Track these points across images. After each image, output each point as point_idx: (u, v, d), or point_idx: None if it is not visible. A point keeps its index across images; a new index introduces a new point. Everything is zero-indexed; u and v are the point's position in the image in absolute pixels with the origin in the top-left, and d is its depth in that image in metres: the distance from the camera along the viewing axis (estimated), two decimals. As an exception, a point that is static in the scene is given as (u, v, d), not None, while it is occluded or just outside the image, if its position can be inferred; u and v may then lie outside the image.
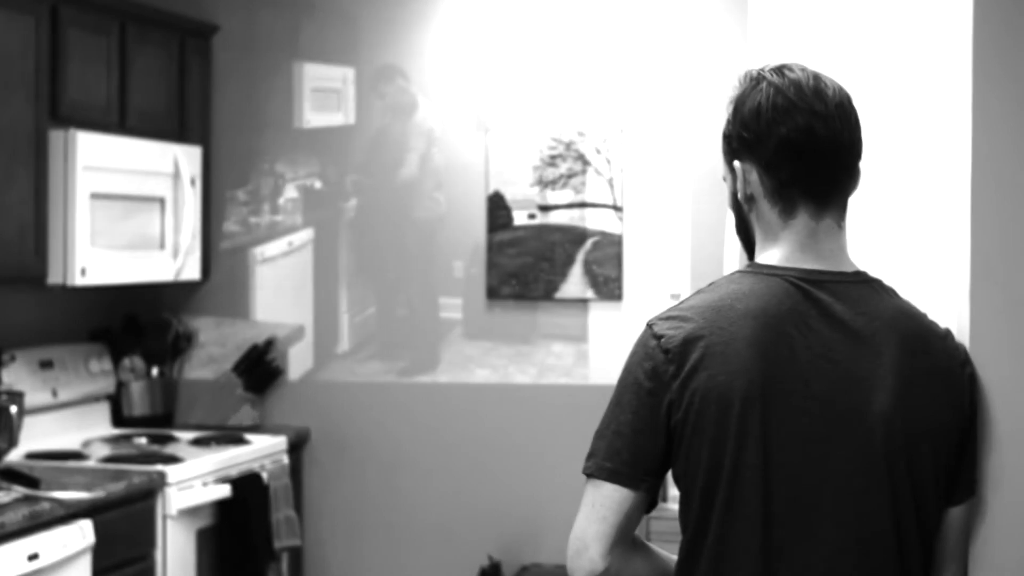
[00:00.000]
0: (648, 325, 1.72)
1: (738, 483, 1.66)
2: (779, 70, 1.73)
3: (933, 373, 1.69)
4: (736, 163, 1.75)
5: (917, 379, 1.68)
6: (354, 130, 4.81)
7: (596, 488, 1.71)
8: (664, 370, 1.67)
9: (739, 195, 1.77)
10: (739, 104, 1.74)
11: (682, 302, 1.74)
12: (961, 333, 1.72)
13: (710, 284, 1.76)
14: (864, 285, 1.72)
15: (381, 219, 4.79)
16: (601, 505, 1.70)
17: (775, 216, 1.73)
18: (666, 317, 1.72)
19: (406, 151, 4.73)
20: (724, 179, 1.81)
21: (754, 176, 1.73)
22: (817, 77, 1.72)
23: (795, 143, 1.69)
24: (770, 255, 1.74)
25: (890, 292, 1.74)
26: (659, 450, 1.69)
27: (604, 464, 1.70)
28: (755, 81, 1.74)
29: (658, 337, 1.69)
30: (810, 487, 1.66)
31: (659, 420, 1.68)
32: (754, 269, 1.73)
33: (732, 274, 1.76)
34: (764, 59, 1.81)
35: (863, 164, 1.76)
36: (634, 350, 1.73)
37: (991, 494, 1.68)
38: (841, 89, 1.73)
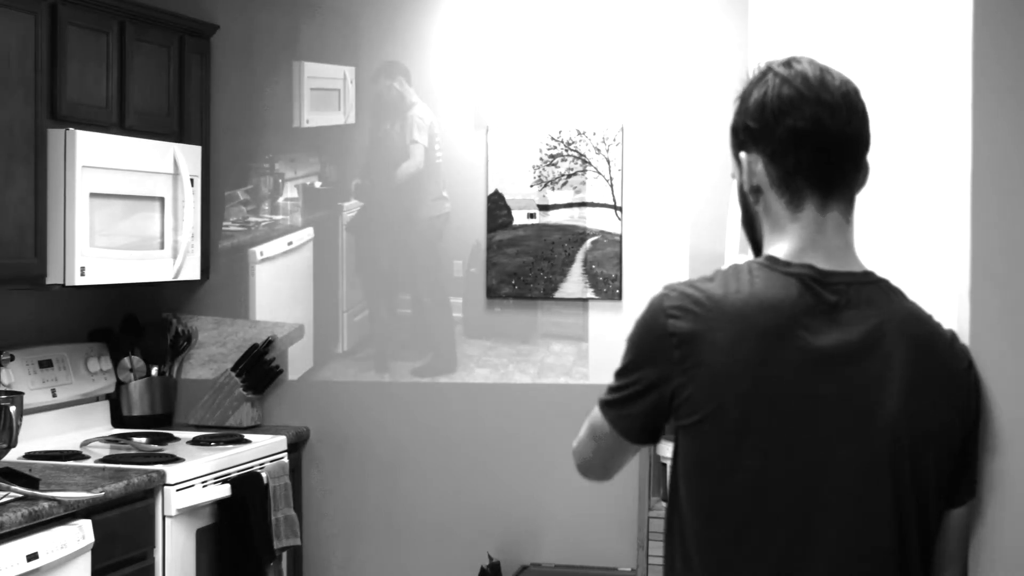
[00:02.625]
0: (662, 297, 1.70)
1: (736, 482, 1.65)
2: (787, 62, 1.74)
3: (940, 377, 1.68)
4: (742, 154, 1.75)
5: (924, 383, 1.67)
6: (354, 129, 4.81)
7: (604, 430, 1.78)
8: (670, 354, 1.67)
9: (745, 187, 1.76)
10: (746, 96, 1.75)
11: (699, 282, 1.71)
12: (961, 333, 1.72)
13: (731, 269, 1.73)
14: (873, 286, 1.71)
15: (381, 219, 4.79)
16: (606, 449, 1.82)
17: (782, 208, 1.73)
18: (681, 295, 1.69)
19: (410, 143, 4.73)
20: (733, 176, 1.80)
21: (760, 167, 1.73)
22: (824, 69, 1.72)
23: (802, 133, 1.69)
24: (782, 250, 1.72)
25: (898, 293, 1.73)
26: (663, 420, 1.73)
27: (618, 420, 1.76)
28: (762, 73, 1.75)
29: (668, 316, 1.68)
30: (812, 489, 1.65)
31: (664, 396, 1.69)
32: (770, 264, 1.71)
33: (750, 264, 1.73)
34: (764, 58, 1.80)
35: (871, 159, 1.75)
36: (647, 320, 1.72)
37: (991, 495, 1.68)
38: (848, 81, 1.73)
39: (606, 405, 1.78)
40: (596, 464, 1.87)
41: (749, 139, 1.74)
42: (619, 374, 1.76)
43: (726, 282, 1.70)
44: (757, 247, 1.80)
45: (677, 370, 1.67)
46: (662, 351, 1.68)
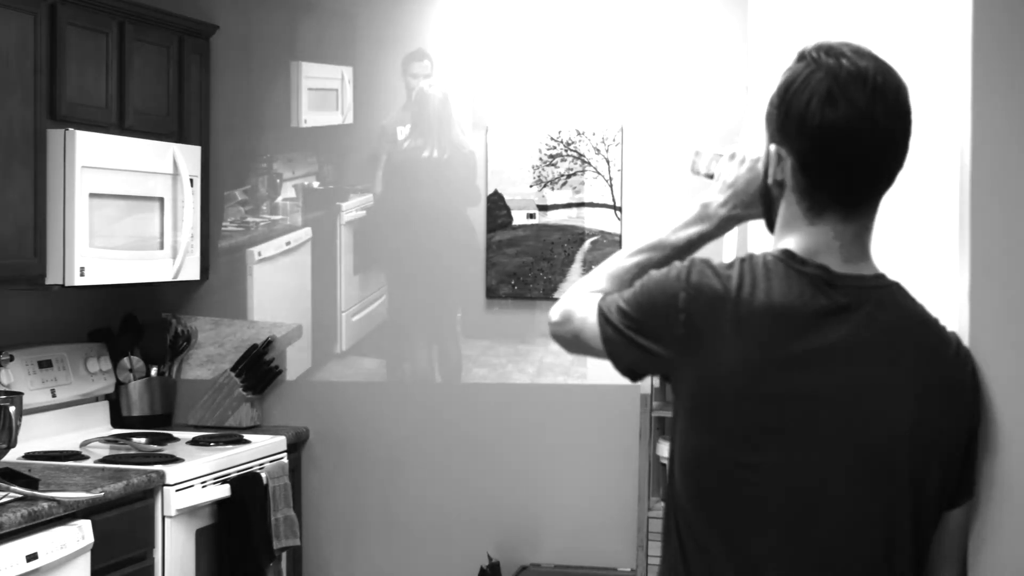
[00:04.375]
0: (689, 267, 1.68)
1: (731, 479, 1.65)
2: (837, 55, 1.63)
3: (946, 385, 1.68)
4: (772, 146, 1.69)
5: (930, 391, 1.66)
6: (353, 129, 4.81)
7: (594, 342, 1.76)
8: (675, 329, 1.66)
9: (769, 178, 1.72)
10: (788, 85, 1.65)
11: (721, 268, 1.68)
12: (961, 333, 1.72)
13: (750, 262, 1.69)
14: (883, 290, 1.69)
15: (384, 220, 4.79)
16: (585, 345, 1.79)
17: (801, 212, 1.69)
18: (701, 274, 1.67)
19: (456, 174, 4.71)
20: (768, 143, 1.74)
21: (788, 166, 1.68)
22: (878, 71, 1.62)
23: (835, 143, 1.62)
24: (798, 245, 1.69)
25: (907, 297, 1.71)
26: (649, 373, 1.77)
27: (608, 343, 1.74)
28: (811, 64, 1.64)
29: (683, 289, 1.66)
30: (807, 488, 1.64)
31: (656, 364, 1.71)
32: (786, 260, 1.68)
33: (767, 259, 1.69)
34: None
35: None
36: (667, 279, 1.69)
37: (991, 495, 1.68)
38: (899, 87, 1.64)
39: (605, 322, 1.74)
40: (570, 342, 1.84)
41: (782, 132, 1.67)
42: (626, 314, 1.72)
43: (742, 278, 1.66)
44: (771, 223, 1.77)
45: (679, 347, 1.66)
46: (668, 323, 1.67)
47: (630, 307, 1.72)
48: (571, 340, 1.83)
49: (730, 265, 1.69)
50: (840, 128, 1.62)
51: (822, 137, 1.63)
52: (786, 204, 1.72)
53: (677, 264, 1.71)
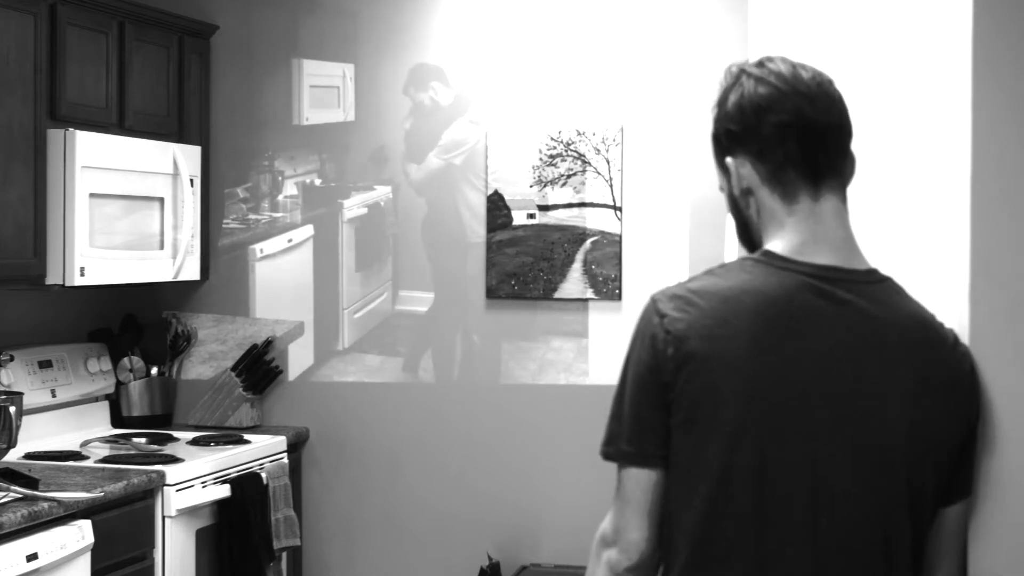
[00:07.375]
0: (653, 300, 1.70)
1: (728, 480, 1.65)
2: (758, 63, 1.74)
3: (944, 384, 1.68)
4: (728, 160, 1.74)
5: (927, 390, 1.66)
6: (354, 126, 4.81)
7: (624, 475, 1.71)
8: (663, 349, 1.66)
9: (735, 192, 1.74)
10: (722, 101, 1.74)
11: (691, 281, 1.71)
12: (961, 333, 1.72)
13: (722, 266, 1.73)
14: (877, 285, 1.70)
15: (380, 218, 4.79)
16: (632, 489, 1.70)
17: (777, 203, 1.71)
18: (672, 296, 1.69)
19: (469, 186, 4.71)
20: (720, 188, 1.78)
21: (747, 168, 1.72)
22: (796, 64, 1.73)
23: (786, 126, 1.68)
24: (782, 244, 1.70)
25: (901, 294, 1.71)
26: (665, 420, 1.68)
27: (627, 449, 1.70)
28: (735, 76, 1.74)
29: (661, 315, 1.67)
30: (804, 486, 1.64)
31: (656, 391, 1.67)
32: (767, 259, 1.70)
33: (744, 260, 1.72)
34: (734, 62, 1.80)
35: (857, 148, 1.75)
36: (639, 326, 1.71)
37: (991, 494, 1.68)
38: (820, 72, 1.73)
39: (607, 443, 1.73)
40: (631, 526, 1.71)
41: (733, 143, 1.73)
42: (616, 397, 1.72)
43: (719, 279, 1.69)
44: (751, 243, 1.79)
45: (670, 364, 1.65)
46: (657, 350, 1.66)
47: (622, 388, 1.71)
48: (624, 518, 1.73)
49: (700, 275, 1.71)
50: (774, 96, 1.69)
51: (761, 110, 1.69)
52: (761, 210, 1.73)
53: (644, 307, 1.71)
